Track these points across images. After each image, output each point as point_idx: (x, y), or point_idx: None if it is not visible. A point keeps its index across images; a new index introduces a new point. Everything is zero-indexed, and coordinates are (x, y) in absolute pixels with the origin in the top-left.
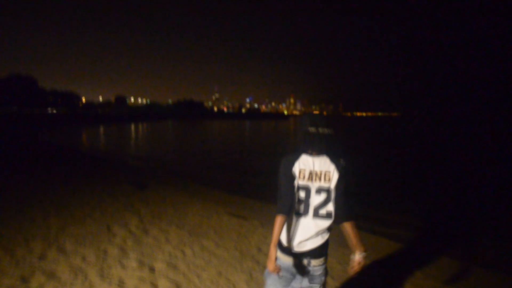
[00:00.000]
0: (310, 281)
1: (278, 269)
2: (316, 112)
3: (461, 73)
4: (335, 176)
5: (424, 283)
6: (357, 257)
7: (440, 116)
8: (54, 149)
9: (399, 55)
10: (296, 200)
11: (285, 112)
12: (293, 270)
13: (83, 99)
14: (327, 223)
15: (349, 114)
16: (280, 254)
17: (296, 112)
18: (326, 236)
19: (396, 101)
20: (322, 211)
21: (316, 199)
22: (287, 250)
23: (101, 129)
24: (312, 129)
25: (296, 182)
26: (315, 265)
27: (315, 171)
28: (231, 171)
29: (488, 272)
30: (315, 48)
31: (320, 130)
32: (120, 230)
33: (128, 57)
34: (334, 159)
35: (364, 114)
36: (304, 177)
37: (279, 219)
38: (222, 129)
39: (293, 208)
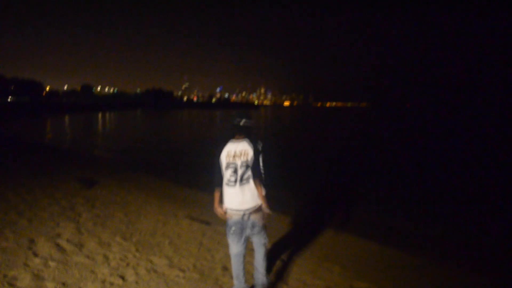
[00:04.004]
0: (252, 228)
1: (225, 213)
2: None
3: (430, 64)
4: (250, 153)
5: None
6: (264, 211)
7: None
8: (1, 140)
9: (369, 45)
10: (230, 173)
11: (256, 102)
12: (241, 221)
13: (47, 88)
14: (249, 184)
15: (319, 104)
16: (230, 212)
17: (266, 102)
18: (256, 197)
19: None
20: (245, 177)
21: (241, 170)
22: (233, 210)
23: (66, 118)
24: (236, 121)
25: (225, 162)
26: (254, 217)
27: (238, 151)
28: (197, 164)
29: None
30: (286, 38)
31: (242, 122)
32: (45, 245)
33: (95, 45)
34: (252, 142)
35: (334, 104)
36: (230, 156)
37: (217, 191)
38: (193, 119)
39: (226, 180)
